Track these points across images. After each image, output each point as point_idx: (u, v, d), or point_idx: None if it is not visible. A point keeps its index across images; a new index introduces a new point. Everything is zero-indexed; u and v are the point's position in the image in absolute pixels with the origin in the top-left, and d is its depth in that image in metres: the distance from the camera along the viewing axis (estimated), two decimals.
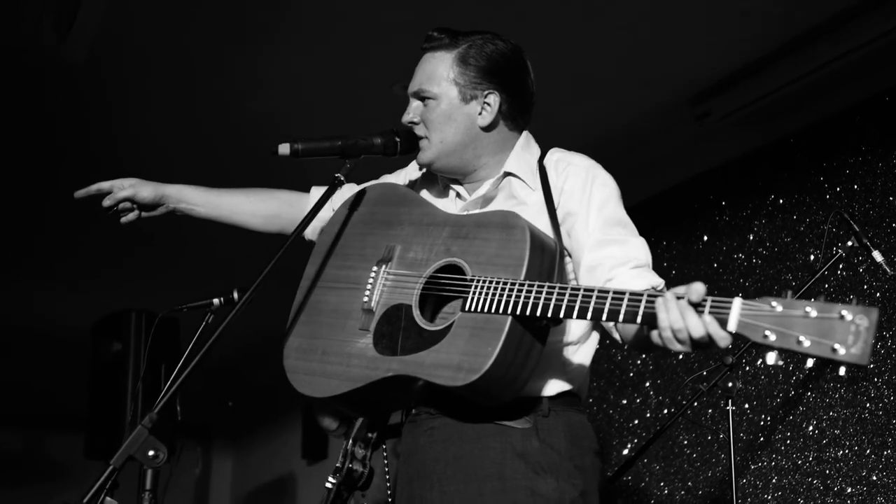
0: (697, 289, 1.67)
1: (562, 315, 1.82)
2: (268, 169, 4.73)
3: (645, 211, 4.47)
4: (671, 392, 4.50)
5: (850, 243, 3.27)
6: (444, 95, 2.18)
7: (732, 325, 1.63)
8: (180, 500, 8.15)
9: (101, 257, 6.11)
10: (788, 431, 3.93)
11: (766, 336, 1.58)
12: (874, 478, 3.58)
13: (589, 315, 1.78)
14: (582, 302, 1.79)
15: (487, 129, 2.19)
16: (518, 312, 1.85)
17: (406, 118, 2.24)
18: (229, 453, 8.98)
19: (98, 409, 5.18)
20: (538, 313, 1.83)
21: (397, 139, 2.22)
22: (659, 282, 2.01)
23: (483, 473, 2.00)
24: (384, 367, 1.99)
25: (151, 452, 1.73)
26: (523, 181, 2.17)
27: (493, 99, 2.18)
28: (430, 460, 2.06)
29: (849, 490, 3.65)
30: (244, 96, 4.30)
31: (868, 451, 3.62)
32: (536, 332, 1.92)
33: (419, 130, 2.22)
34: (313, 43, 3.90)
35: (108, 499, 1.75)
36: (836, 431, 3.74)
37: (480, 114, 2.18)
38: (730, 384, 3.18)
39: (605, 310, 1.76)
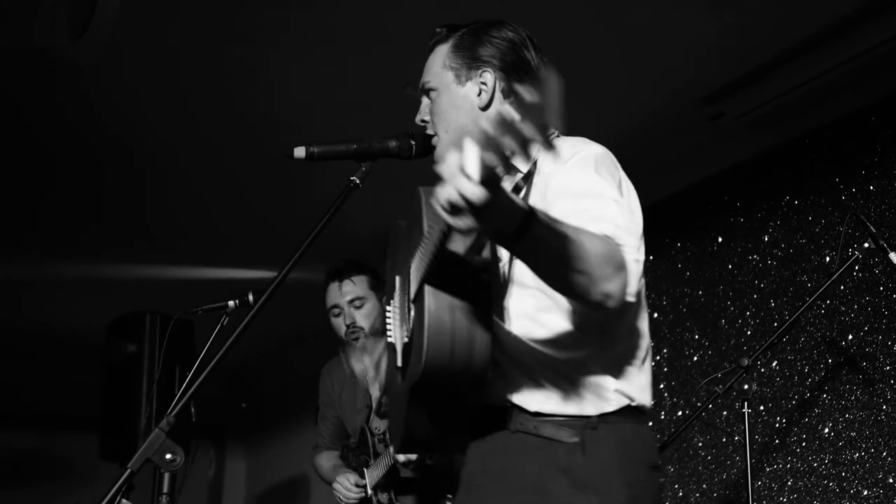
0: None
1: (448, 242, 1.69)
2: (282, 172, 4.77)
3: (658, 212, 4.46)
4: (686, 394, 4.49)
5: (866, 245, 3.26)
6: (442, 83, 2.15)
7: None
8: (194, 501, 8.17)
9: (116, 259, 6.13)
10: (804, 434, 3.91)
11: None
12: (890, 480, 3.56)
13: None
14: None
15: (488, 108, 2.12)
16: (425, 277, 1.78)
17: (417, 118, 2.23)
18: (242, 454, 9.00)
19: (111, 411, 5.20)
20: (438, 255, 1.72)
21: (412, 142, 2.20)
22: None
23: (523, 488, 1.93)
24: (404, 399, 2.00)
25: (168, 456, 1.74)
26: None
27: (489, 77, 2.12)
28: (478, 471, 2.02)
29: (865, 493, 3.63)
30: (256, 98, 4.30)
31: (885, 454, 3.60)
32: (464, 285, 1.81)
33: (430, 129, 2.19)
34: (324, 44, 3.90)
35: (124, 500, 1.76)
36: (853, 434, 3.72)
37: (479, 94, 2.12)
38: (745, 386, 3.16)
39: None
